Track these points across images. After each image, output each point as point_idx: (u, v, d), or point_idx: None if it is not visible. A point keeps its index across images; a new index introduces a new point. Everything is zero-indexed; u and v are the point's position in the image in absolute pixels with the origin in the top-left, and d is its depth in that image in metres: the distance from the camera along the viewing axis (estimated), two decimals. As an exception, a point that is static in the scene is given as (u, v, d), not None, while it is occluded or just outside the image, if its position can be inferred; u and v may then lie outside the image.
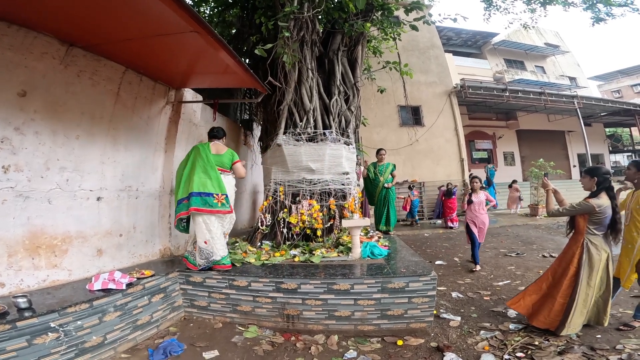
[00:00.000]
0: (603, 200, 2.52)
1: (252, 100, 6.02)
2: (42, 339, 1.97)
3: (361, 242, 3.80)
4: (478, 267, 4.89)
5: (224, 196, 3.13)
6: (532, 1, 7.95)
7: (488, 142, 17.40)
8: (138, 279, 2.81)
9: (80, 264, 2.88)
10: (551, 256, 5.53)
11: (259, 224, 4.34)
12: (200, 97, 4.33)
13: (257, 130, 6.93)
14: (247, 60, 6.37)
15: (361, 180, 5.75)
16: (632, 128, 21.95)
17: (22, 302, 2.00)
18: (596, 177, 2.63)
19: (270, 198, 4.49)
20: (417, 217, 10.76)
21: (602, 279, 2.55)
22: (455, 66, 17.58)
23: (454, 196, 9.66)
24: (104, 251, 3.13)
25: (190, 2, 6.53)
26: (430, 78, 13.52)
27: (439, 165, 12.68)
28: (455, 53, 19.76)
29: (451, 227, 9.38)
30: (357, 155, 5.40)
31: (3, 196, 2.33)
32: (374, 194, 5.79)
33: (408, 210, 10.31)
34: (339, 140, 4.83)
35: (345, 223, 3.71)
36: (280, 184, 4.50)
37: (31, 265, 2.49)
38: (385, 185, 5.70)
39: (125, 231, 3.39)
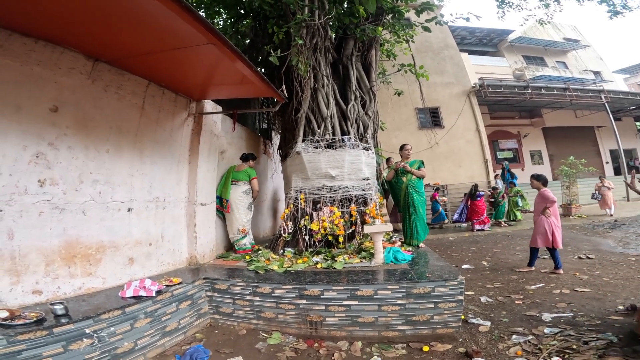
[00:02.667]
0: None
1: (269, 109, 6.14)
2: (77, 345, 2.02)
3: (384, 247, 3.74)
4: (560, 271, 4.46)
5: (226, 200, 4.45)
6: None
7: (513, 142, 16.76)
8: (167, 286, 2.88)
9: (113, 272, 2.99)
10: (588, 257, 5.20)
11: (281, 232, 4.37)
12: (220, 108, 4.46)
13: (276, 139, 7.03)
14: (263, 70, 6.52)
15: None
16: None
17: (59, 308, 2.07)
18: None
19: (292, 206, 4.51)
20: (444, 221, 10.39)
21: None
22: (472, 65, 17.19)
23: (479, 198, 9.28)
24: (135, 260, 3.24)
25: (204, 15, 6.80)
26: (446, 79, 13.29)
27: (461, 167, 12.34)
28: (471, 52, 19.40)
29: (481, 230, 9.04)
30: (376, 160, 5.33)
31: (40, 208, 2.46)
32: (399, 197, 4.76)
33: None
34: (358, 146, 4.81)
35: (367, 229, 3.67)
36: (301, 192, 4.53)
37: (67, 273, 2.61)
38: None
39: (154, 240, 3.50)
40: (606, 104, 14.32)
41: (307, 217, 4.31)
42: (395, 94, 8.13)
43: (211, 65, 3.00)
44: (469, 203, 9.61)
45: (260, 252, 4.18)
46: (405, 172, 4.56)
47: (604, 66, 24.14)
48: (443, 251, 6.63)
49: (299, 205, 4.44)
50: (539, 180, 4.81)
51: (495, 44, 21.29)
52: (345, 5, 5.71)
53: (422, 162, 4.73)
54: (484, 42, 21.15)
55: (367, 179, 4.71)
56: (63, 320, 2.03)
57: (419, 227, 4.50)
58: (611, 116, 14.48)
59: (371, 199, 4.54)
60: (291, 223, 4.36)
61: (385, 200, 7.15)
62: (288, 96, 4.73)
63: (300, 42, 4.42)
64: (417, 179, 4.55)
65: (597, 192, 10.20)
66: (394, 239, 4.74)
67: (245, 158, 4.83)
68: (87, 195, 2.82)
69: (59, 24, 2.26)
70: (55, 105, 2.60)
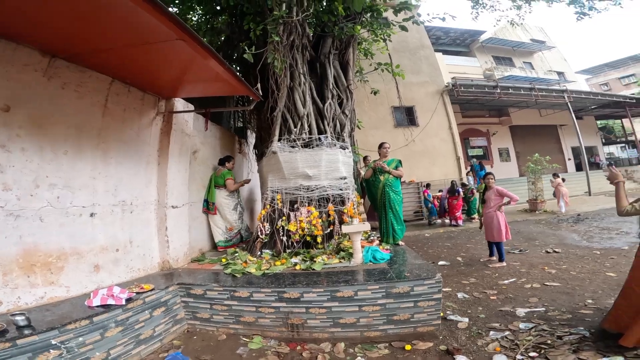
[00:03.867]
0: None
1: (244, 108, 5.95)
2: (44, 357, 1.95)
3: (362, 246, 3.74)
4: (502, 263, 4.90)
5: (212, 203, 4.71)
6: None
7: (483, 139, 17.54)
8: (137, 293, 2.74)
9: (78, 280, 2.80)
10: (554, 251, 5.49)
11: (259, 233, 4.26)
12: (191, 107, 4.27)
13: (252, 138, 6.84)
14: (238, 67, 6.31)
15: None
16: (624, 119, 22.16)
17: (21, 319, 1.98)
18: None
19: (268, 206, 4.41)
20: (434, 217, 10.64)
21: None
22: (445, 65, 17.77)
23: (457, 194, 9.58)
24: (101, 267, 3.04)
25: (177, 10, 6.47)
26: (422, 78, 13.62)
27: (435, 164, 12.72)
28: (445, 52, 20.00)
29: (456, 225, 9.39)
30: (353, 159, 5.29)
31: (-9, 216, 2.25)
32: (376, 196, 4.72)
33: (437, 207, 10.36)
34: (335, 145, 4.74)
35: (345, 229, 3.65)
36: (277, 192, 4.43)
37: (27, 283, 2.44)
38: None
39: (122, 246, 3.30)
40: (569, 103, 15.21)
41: (284, 218, 4.23)
42: (371, 92, 8.11)
43: (182, 62, 2.84)
44: (447, 197, 9.87)
45: (237, 254, 4.06)
46: (382, 171, 4.54)
47: (568, 67, 25.68)
48: (420, 248, 6.77)
49: (276, 206, 4.35)
50: (494, 178, 5.33)
51: (468, 45, 22.03)
52: (324, 3, 5.63)
53: (400, 162, 4.74)
54: (457, 43, 21.82)
55: (345, 178, 4.67)
56: (26, 332, 1.94)
57: (396, 225, 4.51)
58: (573, 115, 15.40)
59: (349, 198, 4.52)
60: (268, 224, 4.27)
61: (362, 199, 7.21)
62: (264, 94, 4.62)
63: (277, 39, 4.32)
64: (394, 178, 4.55)
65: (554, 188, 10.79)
66: (372, 237, 4.75)
67: (221, 162, 5.04)
68: (43, 200, 2.60)
69: (12, 16, 2.06)
70: (7, 105, 2.38)
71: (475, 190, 9.70)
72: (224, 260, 3.87)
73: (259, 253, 4.14)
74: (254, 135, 6.69)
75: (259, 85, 4.32)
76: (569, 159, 19.25)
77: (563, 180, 10.61)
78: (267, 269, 3.42)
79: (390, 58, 7.18)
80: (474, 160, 13.68)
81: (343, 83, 5.62)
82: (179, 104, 4.09)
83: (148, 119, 3.75)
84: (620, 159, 23.77)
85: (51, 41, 2.49)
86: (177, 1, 6.29)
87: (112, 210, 3.24)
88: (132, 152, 3.51)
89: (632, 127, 20.06)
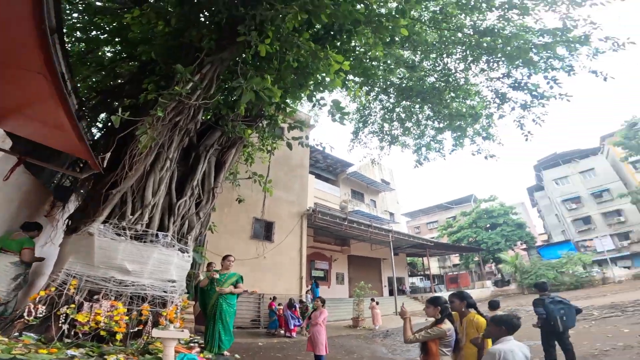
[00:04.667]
0: (449, 325, 2.88)
1: (74, 174, 5.00)
2: None
3: (178, 352, 3.36)
4: None
5: None
6: (383, 140, 9.79)
7: (325, 263, 19.81)
8: None
9: None
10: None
11: (25, 314, 3.31)
12: (7, 143, 3.49)
13: (73, 204, 5.68)
14: (105, 125, 5.64)
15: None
16: (424, 257, 29.41)
17: None
18: (439, 307, 2.97)
19: (53, 289, 3.60)
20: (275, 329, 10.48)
21: None
22: (314, 189, 20.06)
23: (294, 308, 10.35)
24: None
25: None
26: (290, 197, 14.85)
27: (280, 279, 13.17)
28: (317, 176, 22.56)
29: (290, 337, 9.73)
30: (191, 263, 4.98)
31: None
32: (207, 304, 4.69)
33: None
34: (173, 246, 4.49)
35: (156, 333, 3.32)
36: (74, 277, 3.73)
37: None
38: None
39: None
40: (391, 242, 19.29)
41: (73, 306, 3.49)
42: (236, 200, 8.11)
43: (25, 94, 2.46)
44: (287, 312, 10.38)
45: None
46: (222, 282, 4.63)
47: (398, 209, 32.25)
48: (250, 357, 6.52)
49: (65, 291, 3.61)
50: (323, 302, 5.95)
51: (337, 174, 25.41)
52: (230, 97, 5.52)
53: (241, 277, 4.87)
54: (329, 170, 24.82)
55: (174, 281, 4.38)
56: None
57: (224, 336, 4.45)
58: (392, 252, 19.47)
59: (172, 302, 4.22)
60: (44, 307, 3.35)
61: (195, 302, 6.60)
62: (112, 166, 4.26)
63: (160, 114, 3.94)
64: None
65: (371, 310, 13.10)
66: (193, 344, 4.32)
67: (27, 227, 4.18)
68: None
69: None
70: None
71: (309, 308, 10.58)
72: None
73: (17, 334, 3.14)
74: (76, 203, 5.63)
75: (108, 155, 3.98)
76: (385, 286, 23.53)
77: (377, 303, 12.97)
78: (22, 354, 2.60)
79: (269, 170, 7.38)
80: (314, 280, 15.19)
81: (210, 183, 5.46)
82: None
83: None
84: (419, 287, 30.53)
85: None
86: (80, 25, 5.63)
87: None
88: None
89: (428, 264, 26.81)
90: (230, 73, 5.29)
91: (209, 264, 6.96)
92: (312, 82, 5.09)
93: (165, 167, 4.67)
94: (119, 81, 6.09)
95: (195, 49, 4.86)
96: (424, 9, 6.82)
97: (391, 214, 29.62)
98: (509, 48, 6.23)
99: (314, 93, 5.43)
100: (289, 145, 5.79)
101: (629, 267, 29.16)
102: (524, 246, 34.66)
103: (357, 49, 6.29)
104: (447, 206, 47.70)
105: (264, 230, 13.64)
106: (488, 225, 33.87)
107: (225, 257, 4.92)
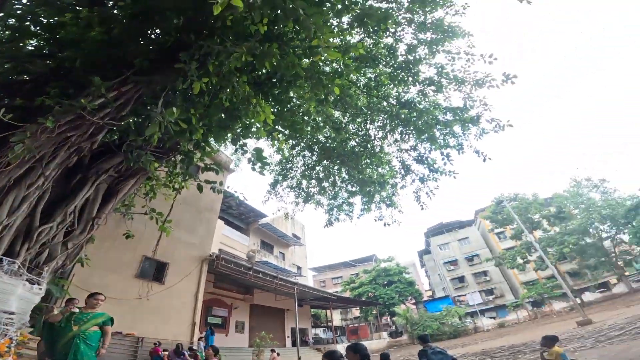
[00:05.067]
0: None
1: None
2: None
3: None
4: None
5: None
6: (300, 196, 9.81)
7: (224, 310, 18.03)
8: None
9: None
10: None
11: None
12: None
13: None
14: None
15: None
16: (327, 310, 29.54)
17: None
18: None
19: None
20: None
21: None
22: (221, 235, 19.14)
23: (182, 356, 9.27)
24: None
25: None
26: (193, 239, 13.73)
27: (167, 324, 11.42)
28: (227, 222, 21.66)
29: None
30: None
31: None
32: (58, 343, 3.94)
33: None
34: (21, 275, 3.70)
35: None
36: None
37: None
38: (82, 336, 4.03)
39: None
40: (296, 294, 18.95)
41: None
42: (124, 235, 6.78)
43: None
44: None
45: None
46: (81, 321, 4.05)
47: (305, 263, 33.19)
48: None
49: None
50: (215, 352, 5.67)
51: (249, 223, 24.79)
52: (141, 120, 4.98)
53: (111, 320, 4.34)
54: (242, 218, 24.10)
55: (12, 313, 3.60)
56: None
57: None
58: (296, 304, 18.98)
59: (5, 334, 3.55)
60: None
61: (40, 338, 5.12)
62: None
63: (49, 125, 3.39)
64: (93, 331, 4.11)
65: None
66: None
67: None
68: None
69: None
70: None
71: (199, 356, 9.55)
72: None
73: None
74: None
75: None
76: (288, 337, 22.60)
77: (278, 354, 12.32)
78: None
79: (170, 210, 6.64)
80: (209, 327, 13.77)
81: (92, 212, 4.75)
82: None
83: None
84: (322, 338, 30.40)
85: None
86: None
87: None
88: None
89: (331, 316, 27.33)
90: (155, 98, 4.79)
91: (70, 299, 5.55)
92: (239, 126, 4.96)
93: (35, 185, 3.95)
94: (25, 77, 5.08)
95: (125, 64, 4.40)
96: (362, 75, 7.63)
97: (299, 268, 30.20)
98: (419, 122, 7.12)
99: (240, 137, 5.26)
100: (200, 188, 5.48)
101: (494, 318, 36.01)
102: (414, 301, 38.58)
103: (293, 100, 6.49)
104: (351, 264, 51.97)
105: (155, 271, 12.04)
106: (385, 282, 37.18)
107: (91, 295, 4.35)
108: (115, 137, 5.23)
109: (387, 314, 36.60)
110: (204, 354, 9.84)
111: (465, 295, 39.76)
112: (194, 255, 13.53)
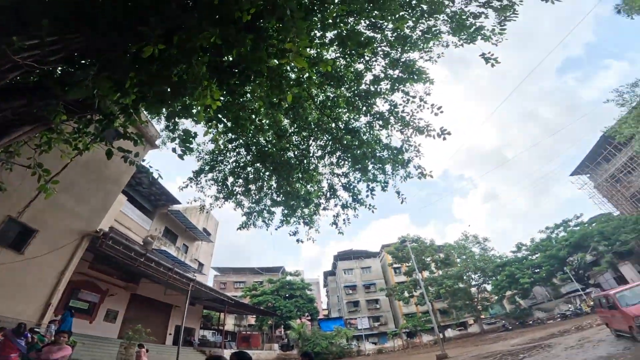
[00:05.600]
0: None
1: None
2: None
3: None
4: None
5: None
6: (222, 192, 8.96)
7: (96, 296, 15.64)
8: None
9: None
10: None
11: None
12: None
13: None
14: None
15: None
16: (222, 313, 27.92)
17: None
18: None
19: None
20: None
21: None
22: (119, 212, 16.74)
23: (23, 338, 7.38)
24: None
25: None
26: (80, 209, 11.61)
27: (12, 300, 9.19)
28: (132, 199, 19.09)
29: None
30: None
31: None
32: None
33: None
34: None
35: None
36: None
37: None
38: None
39: None
40: (190, 291, 17.54)
41: None
42: None
43: None
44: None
45: None
46: None
47: (209, 261, 31.16)
48: None
49: None
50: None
51: (157, 206, 21.92)
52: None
53: None
54: (150, 198, 21.23)
55: None
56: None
57: None
58: (188, 302, 17.55)
59: None
60: None
61: None
62: None
63: None
64: None
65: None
66: None
67: None
68: None
69: None
70: None
71: (36, 338, 7.86)
72: None
73: None
74: None
75: None
76: (170, 334, 20.64)
77: (147, 350, 11.08)
78: None
79: (63, 169, 5.52)
80: (69, 309, 11.75)
81: None
82: None
83: None
84: (209, 341, 28.42)
85: None
86: None
87: None
88: None
89: (224, 320, 26.16)
90: (99, 58, 4.04)
91: None
92: (179, 104, 4.45)
93: None
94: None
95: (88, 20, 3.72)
96: (322, 91, 7.59)
97: (201, 264, 28.53)
98: (358, 152, 7.33)
99: (178, 115, 4.70)
100: (109, 154, 4.56)
101: (375, 343, 39.47)
102: (310, 317, 39.56)
103: (247, 95, 6.12)
104: (258, 271, 51.45)
105: (17, 236, 9.70)
106: (287, 295, 37.40)
107: None
108: (34, 80, 4.26)
109: (282, 326, 36.57)
110: (45, 338, 8.33)
111: (356, 319, 42.61)
112: (75, 227, 11.38)
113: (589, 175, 38.49)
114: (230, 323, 36.67)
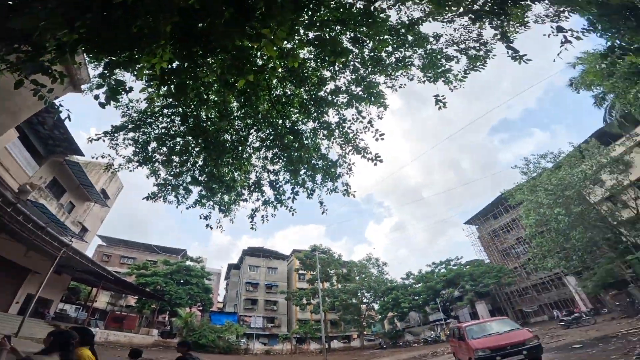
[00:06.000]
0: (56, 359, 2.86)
1: None
2: None
3: None
4: None
5: None
6: (139, 154, 8.06)
7: None
8: None
9: None
10: None
11: None
12: None
13: None
14: None
15: None
16: (95, 288, 24.32)
17: None
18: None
19: None
20: None
21: None
22: (2, 148, 13.73)
23: None
24: None
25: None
26: None
27: None
28: (25, 137, 15.76)
29: None
30: None
31: None
32: None
33: None
34: None
35: None
36: None
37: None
38: None
39: None
40: (59, 257, 14.97)
41: None
42: None
43: None
44: None
45: None
46: None
47: (98, 227, 26.94)
48: None
49: None
50: None
51: (53, 152, 18.30)
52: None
53: None
54: (48, 142, 17.70)
55: None
56: None
57: None
58: (52, 269, 14.96)
59: None
60: None
61: None
62: None
63: None
64: None
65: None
66: None
67: None
68: None
69: None
70: None
71: None
72: None
73: None
74: None
75: None
76: (17, 302, 17.26)
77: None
78: None
79: None
80: None
81: None
82: None
83: None
84: (69, 316, 24.63)
85: None
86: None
87: None
88: None
89: (95, 296, 23.22)
90: None
91: None
92: (126, 56, 3.95)
93: None
94: None
95: None
96: (282, 86, 7.26)
97: (85, 229, 24.62)
98: (295, 154, 7.19)
99: (121, 66, 4.15)
100: (18, 84, 3.68)
101: (265, 344, 39.29)
102: (201, 308, 37.27)
103: (203, 68, 5.60)
104: (155, 250, 46.23)
105: None
106: (182, 281, 34.60)
107: None
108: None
109: (168, 312, 33.67)
110: None
111: (251, 317, 41.86)
112: None
113: (477, 226, 46.21)
114: (103, 300, 32.70)
